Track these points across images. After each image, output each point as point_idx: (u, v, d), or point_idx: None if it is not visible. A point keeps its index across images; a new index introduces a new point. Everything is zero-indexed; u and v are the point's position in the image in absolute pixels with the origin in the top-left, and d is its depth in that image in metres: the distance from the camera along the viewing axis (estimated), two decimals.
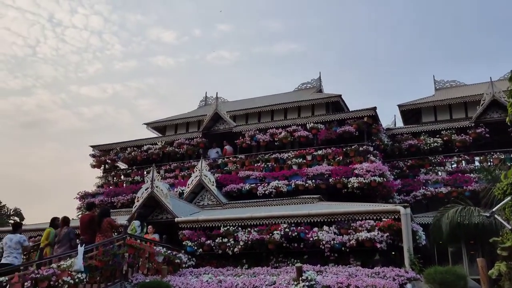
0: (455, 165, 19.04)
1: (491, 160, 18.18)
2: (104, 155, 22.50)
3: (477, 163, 18.68)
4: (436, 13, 68.85)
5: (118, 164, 22.73)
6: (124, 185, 20.97)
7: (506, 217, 10.34)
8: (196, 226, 14.56)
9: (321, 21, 72.18)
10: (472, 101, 20.03)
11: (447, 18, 68.30)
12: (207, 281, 10.92)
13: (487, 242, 14.50)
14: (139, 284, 10.47)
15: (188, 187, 17.68)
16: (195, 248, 14.15)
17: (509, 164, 17.16)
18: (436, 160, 19.13)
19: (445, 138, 19.00)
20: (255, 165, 18.80)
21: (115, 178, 21.89)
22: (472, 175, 17.91)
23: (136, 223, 12.82)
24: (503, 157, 17.80)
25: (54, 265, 9.12)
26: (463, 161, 18.94)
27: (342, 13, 71.37)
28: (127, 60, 76.02)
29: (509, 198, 9.46)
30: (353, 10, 70.43)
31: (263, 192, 17.52)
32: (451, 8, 66.74)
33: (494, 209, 9.59)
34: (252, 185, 17.90)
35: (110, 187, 21.42)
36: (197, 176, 17.52)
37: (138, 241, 11.38)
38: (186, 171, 19.92)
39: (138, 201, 15.44)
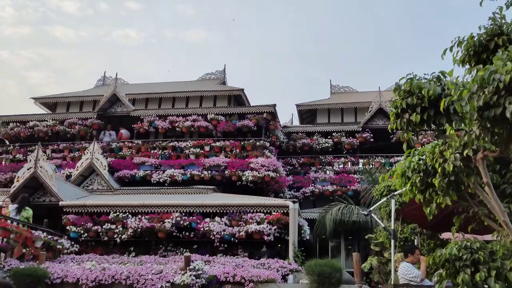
0: (342, 166, 20.37)
1: (373, 163, 19.76)
2: None
3: (361, 165, 20.20)
4: (338, 21, 73.06)
5: None
6: (3, 162, 19.15)
7: (381, 216, 11.36)
8: (83, 211, 13.86)
9: (233, 14, 72.45)
10: (362, 107, 21.63)
11: (348, 25, 72.78)
12: (89, 268, 10.47)
13: (363, 238, 15.81)
14: (12, 270, 9.76)
15: (77, 170, 16.68)
16: (80, 233, 13.47)
17: (387, 168, 18.83)
18: (326, 160, 20.30)
19: (335, 140, 20.22)
20: (152, 151, 18.36)
21: None
22: (355, 176, 19.33)
23: (11, 206, 11.80)
24: (383, 161, 19.48)
25: None
26: (349, 163, 20.34)
27: (253, 9, 72.44)
28: (19, 26, 69.15)
29: (384, 199, 10.41)
30: (265, 8, 71.82)
31: (158, 179, 17.20)
32: (351, 16, 71.21)
33: (371, 208, 10.49)
34: (147, 172, 17.48)
35: None
36: (88, 158, 16.60)
37: (14, 224, 10.51)
38: (77, 152, 18.77)
39: (18, 181, 14.22)
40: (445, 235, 10.28)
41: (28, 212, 11.88)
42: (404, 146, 4.63)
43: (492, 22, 4.53)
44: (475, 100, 3.24)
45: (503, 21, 4.70)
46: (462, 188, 4.17)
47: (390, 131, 4.87)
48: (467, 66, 4.63)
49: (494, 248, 4.04)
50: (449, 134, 4.19)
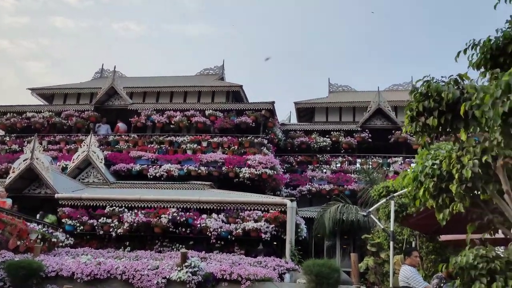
0: (339, 165, 20.32)
1: (371, 163, 19.75)
2: None
3: (358, 165, 20.15)
4: (337, 19, 72.87)
5: None
6: None
7: (379, 217, 11.33)
8: (79, 204, 13.72)
9: (235, 9, 72.07)
10: (360, 107, 21.55)
11: (347, 24, 72.68)
12: (84, 262, 10.35)
13: (359, 238, 15.78)
14: (6, 262, 9.65)
15: (73, 162, 16.50)
16: (75, 226, 13.35)
17: (385, 168, 18.82)
18: (323, 159, 20.25)
19: (333, 139, 20.14)
20: (149, 146, 18.20)
21: None
22: (353, 175, 19.30)
23: None
24: (381, 161, 19.46)
25: None
26: (347, 162, 20.26)
27: (253, 6, 72.06)
28: (19, 16, 68.41)
29: (384, 200, 10.39)
30: (264, 5, 71.48)
31: (154, 174, 17.06)
32: (350, 15, 71.09)
33: (371, 209, 10.46)
34: (143, 166, 17.34)
35: None
36: (84, 151, 16.44)
37: (10, 216, 10.38)
38: (73, 145, 18.61)
39: (14, 172, 14.06)
40: (444, 237, 10.28)
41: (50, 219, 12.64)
42: (419, 149, 4.55)
43: (510, 26, 4.43)
44: (499, 106, 3.17)
45: None
46: (477, 194, 4.08)
47: (405, 133, 4.76)
48: (482, 70, 4.54)
49: (511, 257, 3.96)
50: (465, 139, 4.11)
